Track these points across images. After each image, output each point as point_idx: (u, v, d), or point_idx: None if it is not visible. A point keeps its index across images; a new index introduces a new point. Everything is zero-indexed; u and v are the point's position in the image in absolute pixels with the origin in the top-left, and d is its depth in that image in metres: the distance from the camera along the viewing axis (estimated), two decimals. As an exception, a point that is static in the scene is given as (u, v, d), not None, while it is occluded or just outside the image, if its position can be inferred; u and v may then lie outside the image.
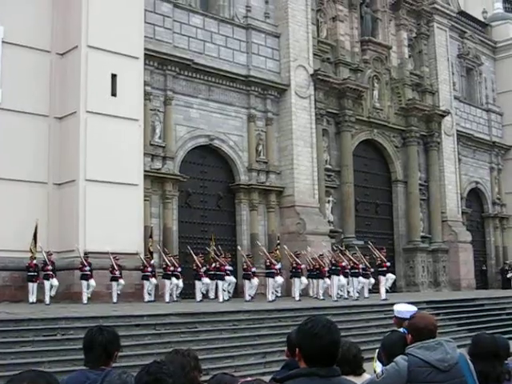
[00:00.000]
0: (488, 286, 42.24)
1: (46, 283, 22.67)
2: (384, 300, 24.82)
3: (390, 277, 28.45)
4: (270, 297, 25.53)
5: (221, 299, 24.61)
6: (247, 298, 25.79)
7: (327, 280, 27.53)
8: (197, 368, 4.00)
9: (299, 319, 17.30)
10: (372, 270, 28.64)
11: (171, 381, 3.17)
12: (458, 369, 4.30)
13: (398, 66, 38.97)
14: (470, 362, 4.45)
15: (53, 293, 22.91)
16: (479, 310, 25.88)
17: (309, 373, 3.25)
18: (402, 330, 6.21)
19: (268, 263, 26.67)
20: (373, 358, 5.97)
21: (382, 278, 27.37)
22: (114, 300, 23.12)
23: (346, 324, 19.33)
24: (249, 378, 3.23)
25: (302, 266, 27.44)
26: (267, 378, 4.97)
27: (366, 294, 27.56)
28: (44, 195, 24.55)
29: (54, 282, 22.84)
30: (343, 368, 3.51)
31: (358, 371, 5.13)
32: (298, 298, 26.10)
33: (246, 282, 26.41)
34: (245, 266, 27.02)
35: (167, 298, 24.45)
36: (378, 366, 5.47)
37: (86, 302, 22.44)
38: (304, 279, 27.67)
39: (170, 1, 29.09)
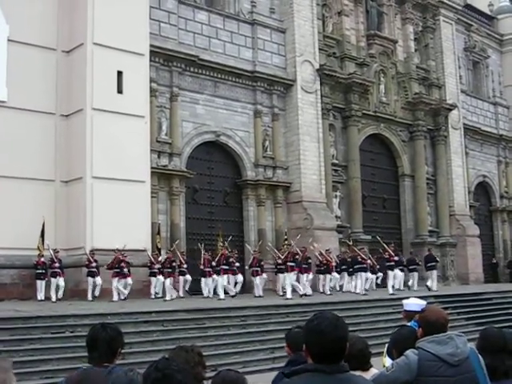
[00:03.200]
0: (497, 280, 42.10)
1: (53, 281, 22.71)
2: (392, 294, 24.79)
3: (398, 274, 28.36)
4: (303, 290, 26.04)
5: (222, 296, 24.14)
6: (281, 292, 26.43)
7: (335, 274, 27.85)
8: (201, 364, 3.99)
9: (307, 314, 17.29)
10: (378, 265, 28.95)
11: (180, 377, 3.15)
12: (469, 363, 4.29)
13: (404, 59, 38.86)
14: (480, 356, 4.43)
15: (60, 294, 22.86)
16: (487, 303, 25.84)
17: (315, 369, 3.24)
18: (411, 323, 6.20)
19: (300, 259, 27.01)
20: (381, 353, 5.96)
21: (390, 272, 27.39)
22: (115, 298, 23.03)
23: (354, 319, 19.31)
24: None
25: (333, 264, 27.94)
26: (275, 374, 4.95)
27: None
28: (51, 193, 24.57)
29: (61, 282, 22.80)
30: (350, 363, 3.49)
31: (365, 366, 5.11)
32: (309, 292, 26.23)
33: (280, 275, 26.87)
34: (279, 261, 27.01)
35: (152, 292, 24.73)
36: (388, 361, 5.45)
37: (90, 299, 22.43)
38: (335, 274, 28.39)
39: (175, -3, 29.10)
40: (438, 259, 31.59)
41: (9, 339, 14.26)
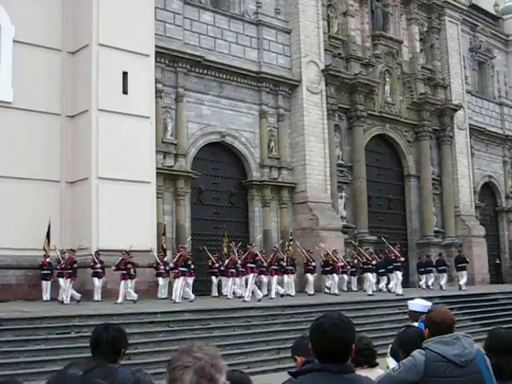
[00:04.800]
0: (501, 280, 42.01)
1: (61, 281, 22.70)
2: (398, 295, 24.76)
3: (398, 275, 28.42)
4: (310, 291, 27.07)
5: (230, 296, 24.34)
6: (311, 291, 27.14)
7: (345, 276, 28.16)
8: None
9: (312, 315, 17.29)
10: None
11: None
12: (475, 364, 4.28)
13: (409, 60, 38.82)
14: (486, 357, 4.41)
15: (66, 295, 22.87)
16: (493, 304, 25.78)
17: (321, 368, 3.24)
18: (416, 324, 6.19)
19: (305, 260, 27.85)
20: (386, 354, 5.94)
21: (397, 273, 27.44)
22: (120, 300, 23.01)
23: (360, 319, 19.25)
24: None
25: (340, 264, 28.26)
26: (281, 374, 4.95)
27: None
28: (57, 194, 24.62)
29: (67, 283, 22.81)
30: (356, 358, 3.48)
31: (372, 361, 5.10)
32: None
33: (309, 275, 27.74)
34: (305, 261, 27.91)
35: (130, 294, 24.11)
36: (391, 362, 5.44)
37: (96, 298, 22.46)
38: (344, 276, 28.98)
39: (181, -2, 29.13)
40: (468, 260, 32.61)
41: (14, 339, 14.28)
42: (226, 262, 25.60)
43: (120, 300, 22.38)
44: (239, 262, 24.39)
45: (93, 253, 22.73)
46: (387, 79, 36.97)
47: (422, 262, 32.64)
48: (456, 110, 40.09)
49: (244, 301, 21.70)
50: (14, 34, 24.14)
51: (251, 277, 23.48)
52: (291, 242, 28.33)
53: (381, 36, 37.02)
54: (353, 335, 3.37)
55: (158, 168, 26.26)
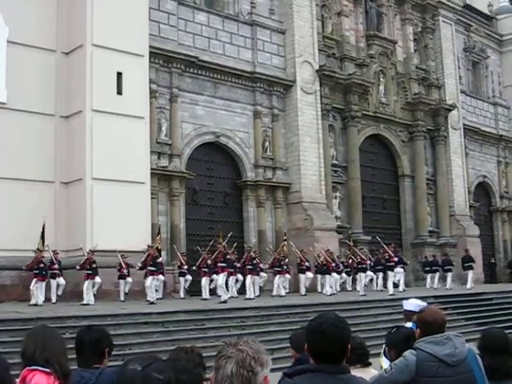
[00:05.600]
0: (495, 280, 42.06)
1: (53, 282, 22.68)
2: (392, 295, 24.80)
3: (398, 271, 28.52)
4: (303, 291, 27.15)
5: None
6: (303, 291, 27.17)
7: (335, 275, 28.05)
8: (200, 365, 4.01)
9: (307, 315, 17.33)
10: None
11: (185, 377, 3.19)
12: (467, 364, 4.30)
13: (403, 60, 38.90)
14: (478, 357, 4.43)
15: (60, 292, 22.95)
16: (487, 304, 25.81)
17: (316, 369, 3.25)
18: (410, 324, 6.21)
19: (299, 260, 27.82)
20: (380, 354, 5.96)
21: (390, 273, 27.58)
22: (122, 298, 23.09)
23: (354, 319, 19.25)
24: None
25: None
26: (276, 374, 4.95)
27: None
28: (51, 194, 24.59)
29: (61, 280, 22.84)
30: (350, 357, 3.50)
31: (365, 361, 5.11)
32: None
33: (302, 275, 27.67)
34: (298, 261, 27.86)
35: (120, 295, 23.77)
36: (385, 362, 5.46)
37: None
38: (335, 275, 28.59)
39: (175, -2, 29.12)
40: (474, 260, 33.19)
41: (9, 340, 14.24)
42: (199, 261, 25.09)
43: (122, 298, 22.48)
44: (209, 261, 24.13)
45: (85, 253, 22.64)
46: (381, 79, 37.03)
47: (427, 262, 33.19)
48: (450, 110, 40.17)
49: (221, 302, 21.15)
50: (8, 35, 24.08)
51: (221, 276, 23.22)
52: (285, 242, 28.36)
53: (375, 36, 37.08)
54: (350, 335, 3.40)
55: (152, 168, 26.26)
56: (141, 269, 23.00)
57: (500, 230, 45.82)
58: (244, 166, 30.94)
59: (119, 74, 25.01)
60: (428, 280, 32.07)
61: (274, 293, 26.24)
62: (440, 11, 41.33)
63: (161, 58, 27.81)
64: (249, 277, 24.85)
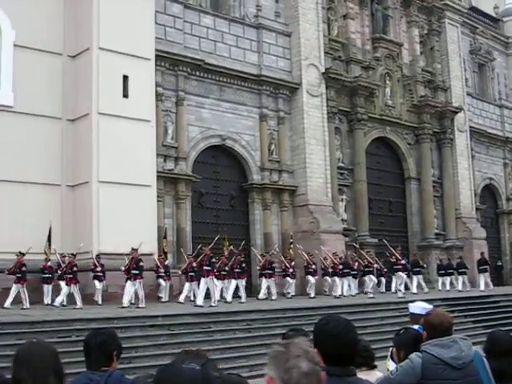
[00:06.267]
0: (502, 283, 41.97)
1: (62, 284, 22.67)
2: (400, 298, 24.78)
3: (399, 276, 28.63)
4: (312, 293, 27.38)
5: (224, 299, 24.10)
6: (312, 294, 27.38)
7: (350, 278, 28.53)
8: None
9: (314, 318, 17.31)
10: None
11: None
12: (473, 367, 4.29)
13: (409, 62, 38.85)
14: (485, 359, 4.42)
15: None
16: (494, 306, 25.80)
17: (326, 371, 3.25)
18: (417, 327, 6.20)
19: (306, 263, 28.14)
20: (387, 357, 5.95)
21: (414, 276, 28.34)
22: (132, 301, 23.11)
23: (361, 322, 19.25)
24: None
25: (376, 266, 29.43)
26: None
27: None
28: (57, 197, 24.64)
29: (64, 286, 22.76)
30: (356, 360, 3.50)
31: (371, 363, 5.11)
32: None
33: (310, 277, 28.01)
34: (305, 264, 28.25)
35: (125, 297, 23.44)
36: (391, 365, 5.45)
37: (100, 302, 22.49)
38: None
39: (181, 1, 29.12)
40: (489, 262, 33.98)
41: (16, 343, 14.26)
42: (184, 266, 24.59)
43: (132, 301, 22.29)
44: (194, 264, 23.45)
45: (94, 256, 22.73)
46: (387, 82, 36.99)
47: (442, 265, 33.45)
48: (456, 113, 40.11)
49: (196, 305, 20.85)
50: (15, 38, 24.18)
51: (203, 281, 22.45)
52: (291, 245, 28.41)
53: (381, 39, 37.06)
54: (358, 338, 3.41)
55: (158, 171, 26.28)
56: (126, 272, 22.24)
57: (506, 232, 45.69)
58: (250, 169, 30.94)
59: (125, 78, 25.06)
60: (447, 281, 32.44)
61: (261, 296, 25.89)
62: (446, 13, 41.28)
63: (167, 61, 27.84)
64: (235, 281, 24.88)
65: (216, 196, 29.95)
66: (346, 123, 34.77)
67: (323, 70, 32.90)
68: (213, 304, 21.38)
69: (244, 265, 26.14)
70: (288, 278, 27.60)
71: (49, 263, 22.82)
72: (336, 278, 28.03)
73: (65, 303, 22.09)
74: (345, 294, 27.63)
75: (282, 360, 2.50)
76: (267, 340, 17.58)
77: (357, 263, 29.99)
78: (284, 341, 2.63)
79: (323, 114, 32.64)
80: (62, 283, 22.59)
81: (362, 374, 3.82)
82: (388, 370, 5.28)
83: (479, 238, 39.83)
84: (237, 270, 25.20)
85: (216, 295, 22.77)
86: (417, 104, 38.07)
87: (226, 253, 26.16)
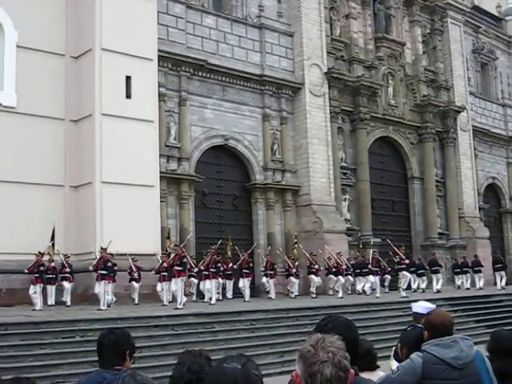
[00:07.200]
0: (506, 282, 41.85)
1: (65, 284, 22.72)
2: (404, 297, 24.77)
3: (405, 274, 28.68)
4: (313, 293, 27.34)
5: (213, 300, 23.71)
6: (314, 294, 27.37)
7: (349, 277, 28.90)
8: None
9: (317, 318, 17.30)
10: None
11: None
12: (474, 367, 4.28)
13: (412, 62, 38.85)
14: (486, 359, 4.42)
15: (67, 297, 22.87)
16: (497, 306, 25.76)
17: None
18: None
19: (309, 263, 28.26)
20: (390, 357, 5.96)
21: (433, 276, 28.68)
22: (136, 301, 23.17)
23: (363, 322, 19.25)
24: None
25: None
26: (285, 377, 4.97)
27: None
28: (61, 198, 24.67)
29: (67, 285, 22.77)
30: (358, 364, 3.51)
31: (373, 366, 5.12)
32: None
33: (313, 277, 28.06)
34: (308, 264, 28.39)
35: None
36: (395, 365, 5.46)
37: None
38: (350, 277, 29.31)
39: (183, 2, 29.13)
40: (504, 261, 35.01)
41: (19, 344, 14.32)
42: (157, 265, 23.71)
43: (136, 301, 22.76)
44: (165, 264, 22.83)
45: (97, 256, 22.70)
46: (390, 81, 36.99)
47: (458, 264, 34.02)
48: (459, 112, 40.09)
49: (176, 308, 20.05)
50: (18, 39, 24.22)
51: (173, 282, 22.14)
52: (295, 245, 28.44)
53: (383, 38, 37.06)
54: (359, 337, 3.43)
55: (161, 172, 26.31)
56: (94, 271, 21.82)
57: (510, 231, 45.66)
58: (253, 169, 30.95)
59: (128, 78, 25.09)
60: (463, 280, 33.23)
61: (247, 298, 25.60)
62: (448, 13, 41.27)
63: (169, 61, 27.88)
64: (213, 281, 24.59)
65: (219, 196, 29.98)
66: (348, 123, 34.79)
67: (326, 70, 32.91)
68: (179, 306, 20.37)
69: (219, 265, 25.47)
70: (292, 278, 27.67)
71: (52, 264, 22.81)
72: (340, 277, 28.08)
73: (68, 303, 22.26)
74: (368, 292, 28.12)
75: (308, 362, 2.58)
76: (271, 340, 17.63)
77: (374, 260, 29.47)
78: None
79: (326, 114, 32.63)
80: (66, 283, 22.66)
81: (364, 374, 3.84)
82: (391, 369, 5.29)
83: (482, 238, 39.80)
84: (212, 270, 24.68)
85: (184, 297, 21.74)
86: (419, 103, 38.07)
87: (229, 253, 26.22)
